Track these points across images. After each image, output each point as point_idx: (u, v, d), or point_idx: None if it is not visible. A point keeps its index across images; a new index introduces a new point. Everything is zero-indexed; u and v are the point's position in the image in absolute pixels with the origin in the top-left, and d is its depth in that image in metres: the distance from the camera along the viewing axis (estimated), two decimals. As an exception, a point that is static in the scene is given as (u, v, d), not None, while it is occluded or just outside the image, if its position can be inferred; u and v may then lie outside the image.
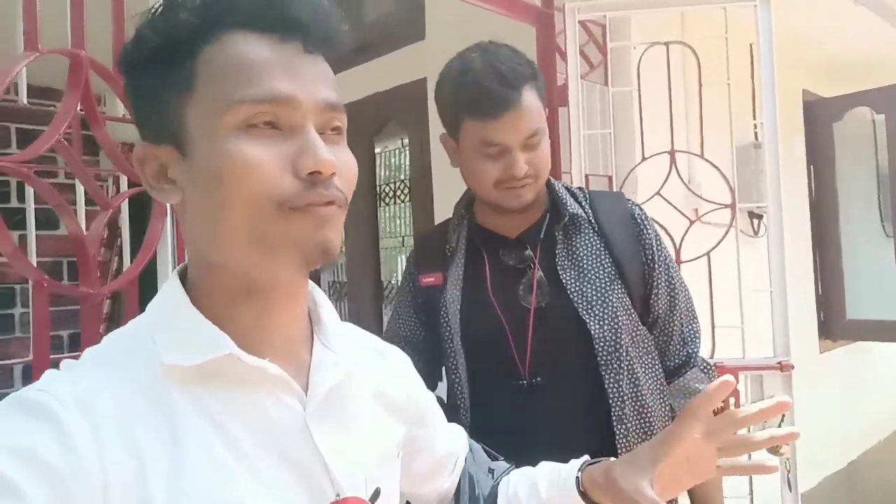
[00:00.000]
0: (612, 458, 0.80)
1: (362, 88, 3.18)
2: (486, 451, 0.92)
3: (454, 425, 0.88)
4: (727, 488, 1.94)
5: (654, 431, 1.21)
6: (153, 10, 0.56)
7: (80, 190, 1.28)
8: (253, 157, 0.54)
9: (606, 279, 1.21)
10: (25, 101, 1.03)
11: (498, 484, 0.86)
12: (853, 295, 3.33)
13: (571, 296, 1.19)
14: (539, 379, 1.18)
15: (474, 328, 1.22)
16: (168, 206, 0.99)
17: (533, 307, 1.19)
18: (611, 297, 1.19)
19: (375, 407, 0.70)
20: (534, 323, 1.18)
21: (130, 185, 1.16)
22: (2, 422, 0.49)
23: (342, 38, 0.61)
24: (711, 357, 1.93)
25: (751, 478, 1.94)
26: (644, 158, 2.02)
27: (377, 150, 3.57)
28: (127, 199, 1.13)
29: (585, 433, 1.18)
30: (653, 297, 1.27)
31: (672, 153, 2.00)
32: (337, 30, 0.60)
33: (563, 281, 1.20)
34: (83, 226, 1.02)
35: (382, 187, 3.60)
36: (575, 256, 1.22)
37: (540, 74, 1.20)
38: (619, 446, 1.18)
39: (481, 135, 1.13)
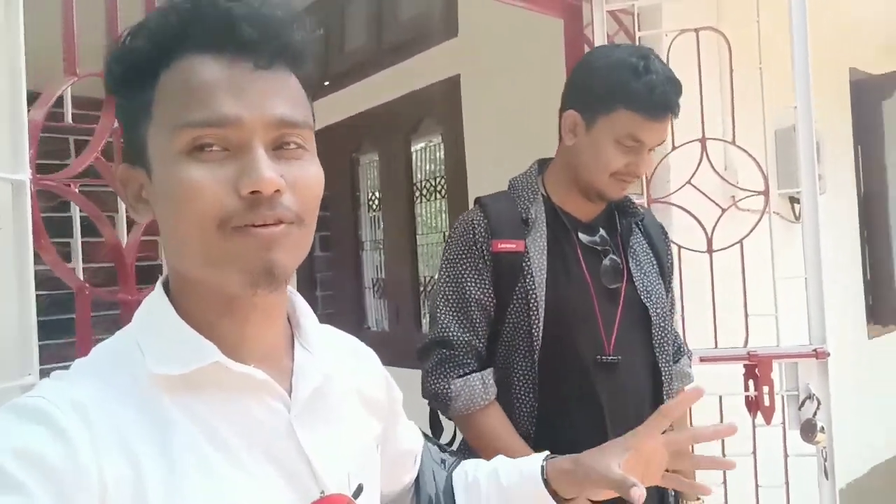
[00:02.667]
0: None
1: (397, 88, 3.24)
2: (435, 443, 0.97)
3: (410, 421, 0.91)
4: (763, 477, 1.94)
5: None
6: (120, 37, 0.59)
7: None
8: (196, 179, 0.55)
9: (655, 275, 1.38)
10: (70, 120, 1.11)
11: (451, 474, 0.89)
12: (904, 278, 3.23)
13: (636, 283, 1.33)
14: (620, 357, 1.28)
15: (560, 298, 1.27)
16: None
17: (624, 288, 1.31)
18: (661, 291, 1.37)
19: (356, 405, 0.73)
20: (623, 305, 1.30)
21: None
22: (3, 426, 0.51)
23: (302, 50, 0.60)
24: (745, 346, 1.91)
25: (786, 466, 1.92)
26: (675, 147, 2.01)
27: (414, 148, 3.62)
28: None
29: (643, 407, 1.29)
30: (668, 297, 1.44)
31: (703, 141, 1.98)
32: (294, 43, 0.59)
33: (631, 269, 1.34)
34: (126, 233, 1.09)
35: (423, 184, 3.65)
36: (635, 251, 1.38)
37: None
38: None
39: (633, 128, 1.22)
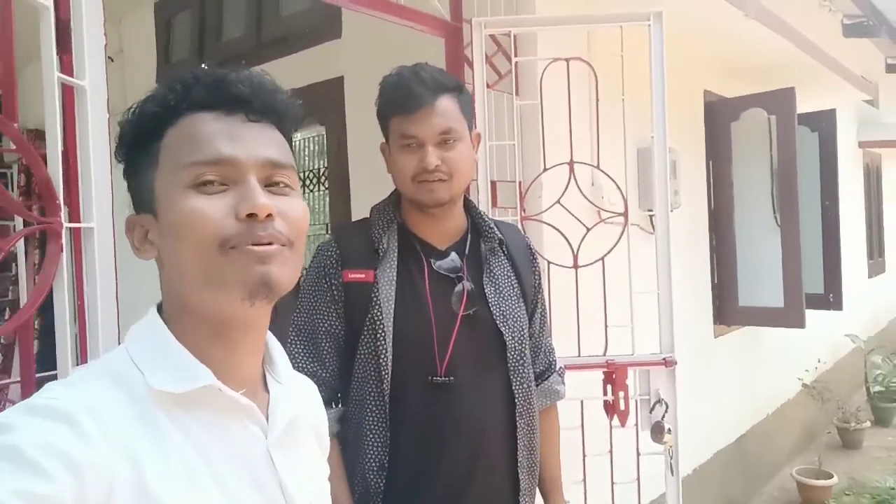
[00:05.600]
0: None
1: (279, 83, 3.17)
2: None
3: None
4: (617, 472, 2.12)
5: (535, 426, 1.40)
6: (130, 108, 0.71)
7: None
8: (199, 207, 0.65)
9: (515, 298, 1.40)
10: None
11: None
12: (745, 283, 3.58)
13: (492, 308, 1.36)
14: (451, 378, 1.30)
15: (405, 327, 1.30)
16: (63, 249, 1.02)
17: (461, 314, 1.33)
18: (520, 314, 1.39)
19: (313, 439, 0.83)
20: (458, 328, 1.32)
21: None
22: (24, 424, 0.56)
23: (284, 107, 0.73)
24: (604, 354, 2.08)
25: (638, 462, 2.11)
26: (545, 169, 2.12)
27: (297, 139, 3.56)
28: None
29: (490, 428, 1.33)
30: (534, 316, 1.48)
31: (571, 164, 2.11)
32: (277, 101, 0.72)
33: (487, 294, 1.36)
34: None
35: (305, 174, 3.60)
36: (493, 275, 1.39)
37: (465, 93, 1.37)
38: (518, 436, 1.35)
39: (401, 129, 1.30)
